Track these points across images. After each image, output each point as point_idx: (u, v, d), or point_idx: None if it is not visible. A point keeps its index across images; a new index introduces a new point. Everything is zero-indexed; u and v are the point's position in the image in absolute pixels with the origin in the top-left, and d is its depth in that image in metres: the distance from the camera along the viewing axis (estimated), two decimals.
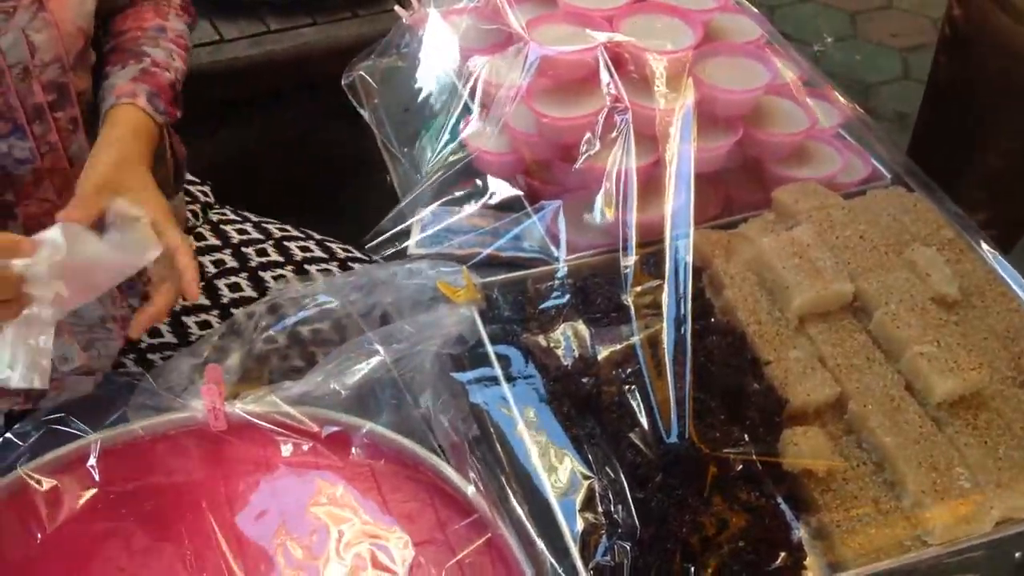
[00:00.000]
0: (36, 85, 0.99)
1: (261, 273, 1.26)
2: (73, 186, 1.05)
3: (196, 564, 0.86)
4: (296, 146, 2.04)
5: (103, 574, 0.87)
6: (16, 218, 1.02)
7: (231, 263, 1.27)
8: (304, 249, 1.31)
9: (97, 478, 0.92)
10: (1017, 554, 0.85)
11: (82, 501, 0.90)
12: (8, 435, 0.94)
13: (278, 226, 1.35)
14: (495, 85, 1.27)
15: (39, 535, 0.88)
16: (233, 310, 1.23)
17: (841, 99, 1.29)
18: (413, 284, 1.09)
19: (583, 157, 1.11)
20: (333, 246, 1.33)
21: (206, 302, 1.25)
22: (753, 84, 1.20)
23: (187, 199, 1.34)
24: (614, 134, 1.17)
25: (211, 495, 0.92)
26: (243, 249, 1.29)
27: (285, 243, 1.31)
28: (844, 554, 0.83)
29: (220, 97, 1.77)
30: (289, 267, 1.27)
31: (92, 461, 0.92)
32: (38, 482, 0.90)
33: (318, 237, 1.34)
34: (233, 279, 1.26)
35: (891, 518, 0.85)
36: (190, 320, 1.24)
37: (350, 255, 1.35)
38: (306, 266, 1.28)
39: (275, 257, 1.29)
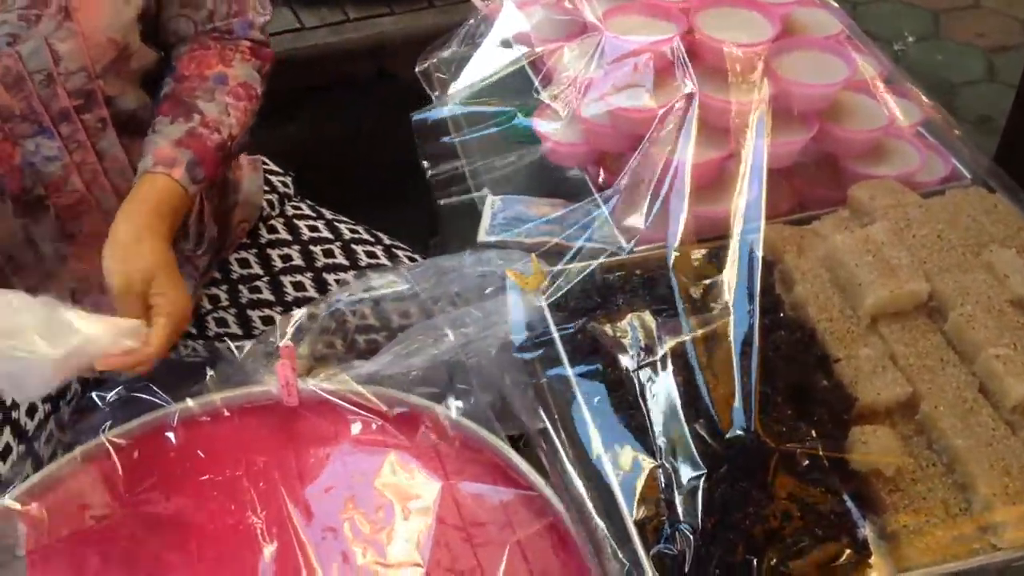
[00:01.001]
0: (61, 90, 1.01)
1: (325, 275, 1.28)
2: (100, 178, 1.07)
3: (267, 532, 0.89)
4: (370, 134, 2.07)
5: (178, 539, 0.90)
6: (48, 210, 1.05)
7: (298, 260, 1.29)
8: (370, 255, 1.32)
9: (175, 446, 0.95)
10: None
11: (160, 468, 0.94)
12: (93, 397, 0.98)
13: (350, 226, 1.36)
14: (568, 75, 1.27)
15: (118, 499, 0.92)
16: (296, 309, 1.24)
17: (922, 97, 1.27)
18: (481, 272, 1.11)
19: (654, 148, 1.11)
20: (400, 253, 1.34)
21: (271, 297, 1.27)
22: (831, 79, 1.19)
23: (265, 188, 1.37)
24: (685, 126, 1.17)
25: (283, 467, 0.95)
26: (311, 248, 1.31)
27: (353, 246, 1.32)
28: (910, 555, 0.82)
29: (299, 85, 1.81)
30: (352, 272, 1.29)
31: (171, 431, 0.96)
32: (119, 448, 0.94)
33: (387, 242, 1.35)
34: (298, 277, 1.28)
35: (960, 520, 0.84)
36: (254, 314, 1.27)
37: (415, 263, 1.36)
38: (370, 272, 1.29)
39: (341, 260, 1.30)
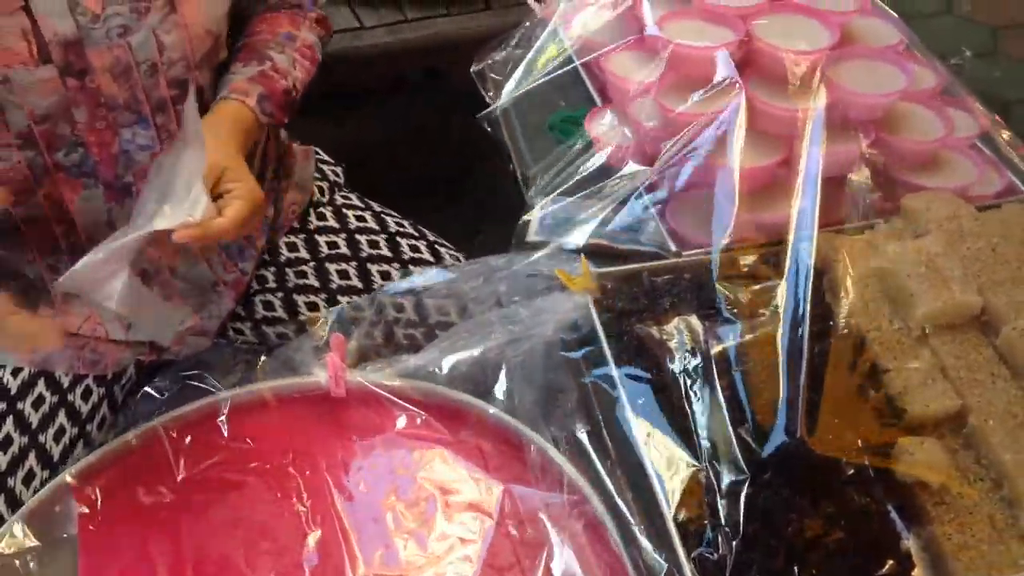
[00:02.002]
0: (162, 80, 1.05)
1: (369, 266, 1.30)
2: None
3: (312, 520, 0.90)
4: (425, 134, 2.09)
5: (226, 525, 0.91)
6: (132, 196, 1.09)
7: (344, 249, 1.32)
8: (413, 249, 1.34)
9: (226, 433, 0.97)
10: None
11: (210, 455, 0.96)
12: (147, 389, 1.00)
13: (396, 220, 1.38)
14: (623, 79, 1.28)
15: (169, 484, 0.94)
16: (340, 297, 1.27)
17: (980, 109, 1.26)
18: (529, 273, 1.11)
19: (705, 152, 1.11)
20: (442, 250, 1.36)
21: (316, 283, 1.29)
22: (888, 89, 1.18)
23: (316, 176, 1.40)
24: (737, 131, 1.17)
25: (329, 457, 0.96)
26: (357, 237, 1.33)
27: (398, 239, 1.34)
28: (955, 569, 0.81)
29: (358, 83, 1.84)
30: (395, 264, 1.31)
31: (222, 417, 0.98)
32: (171, 434, 0.96)
33: (431, 238, 1.37)
34: (343, 266, 1.30)
35: (1006, 536, 0.83)
36: (299, 299, 1.29)
37: (456, 261, 1.37)
38: (411, 267, 1.31)
39: (384, 252, 1.33)
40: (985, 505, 0.85)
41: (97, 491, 0.91)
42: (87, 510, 0.90)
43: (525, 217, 1.21)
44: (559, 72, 1.41)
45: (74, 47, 0.97)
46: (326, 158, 1.45)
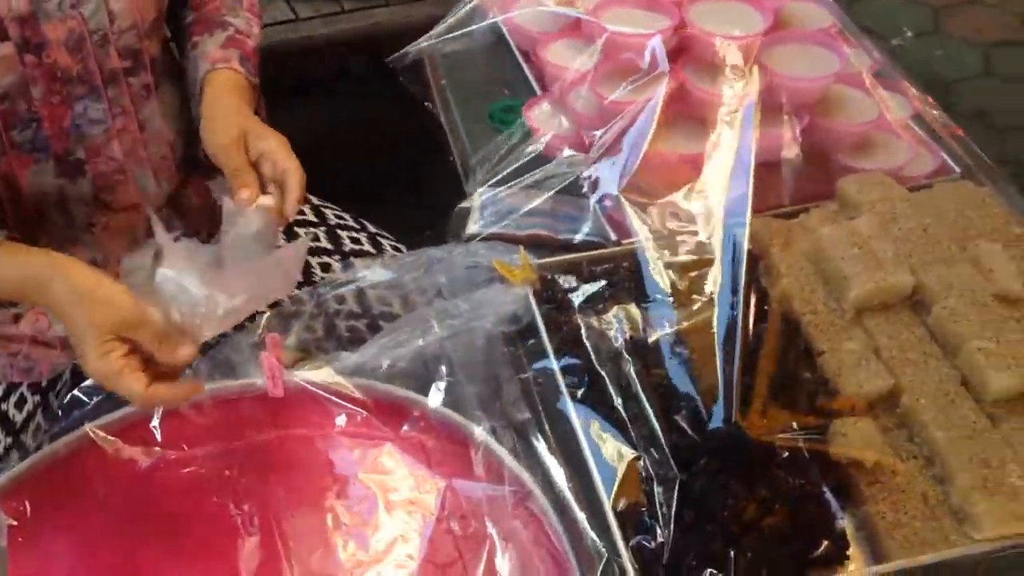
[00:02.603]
0: (113, 50, 1.04)
1: (309, 257, 1.28)
2: (139, 149, 1.09)
3: (250, 524, 0.89)
4: (365, 127, 2.07)
5: (160, 530, 0.90)
6: (85, 174, 1.08)
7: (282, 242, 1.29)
8: (355, 241, 1.33)
9: (159, 438, 0.95)
10: None
11: (144, 460, 0.94)
12: (76, 392, 0.98)
13: (336, 212, 1.37)
14: (561, 68, 1.27)
15: (102, 491, 0.92)
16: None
17: (913, 91, 1.27)
18: (469, 264, 1.11)
19: (642, 140, 1.11)
20: (384, 242, 1.35)
21: None
22: (822, 72, 1.19)
23: None
24: (677, 118, 1.17)
25: (266, 459, 0.95)
26: (296, 230, 1.32)
27: (338, 231, 1.33)
28: (888, 546, 0.82)
29: (294, 76, 1.81)
30: (336, 256, 1.30)
31: (155, 422, 0.96)
32: (103, 440, 0.94)
33: (372, 230, 1.36)
34: None
35: (938, 512, 0.84)
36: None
37: (398, 252, 1.36)
38: (353, 259, 1.29)
39: (325, 244, 1.31)
40: (918, 483, 0.86)
41: (26, 502, 0.89)
42: (16, 522, 0.88)
43: (463, 204, 1.21)
44: (498, 62, 1.41)
45: (29, 22, 0.97)
46: None
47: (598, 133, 1.15)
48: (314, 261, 1.29)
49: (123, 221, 1.10)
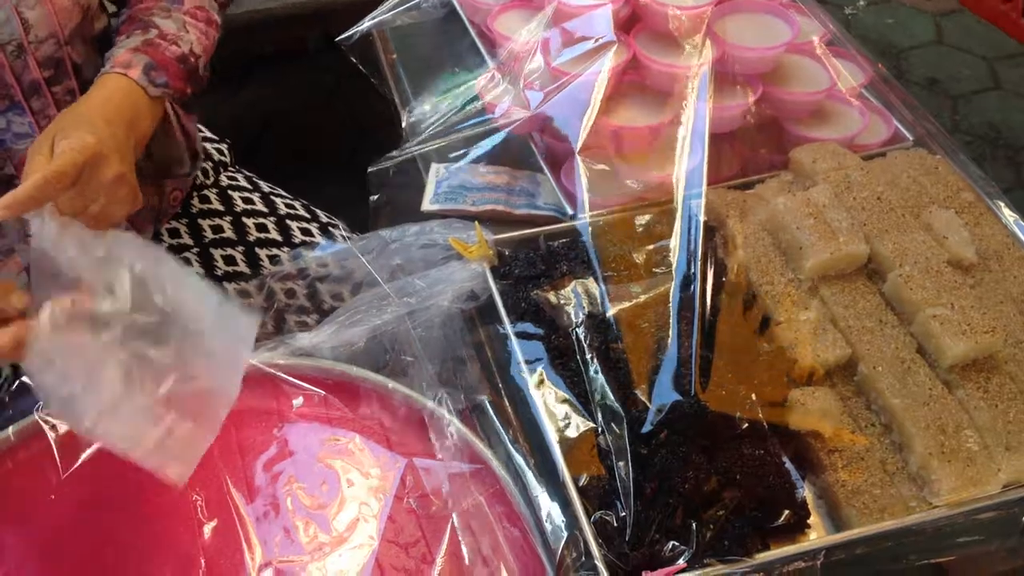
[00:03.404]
0: (31, 61, 0.98)
1: (258, 250, 1.25)
2: None
3: (207, 510, 0.87)
4: (318, 103, 2.04)
5: (115, 518, 0.88)
6: (14, 186, 1.02)
7: (229, 233, 1.26)
8: (305, 232, 1.29)
9: None
10: None
11: (95, 446, 0.92)
12: (23, 379, 0.95)
13: (287, 201, 1.33)
14: (513, 40, 1.26)
15: (54, 479, 0.90)
16: (226, 284, 1.22)
17: (866, 59, 1.27)
18: (424, 243, 1.09)
19: (597, 113, 1.10)
20: (335, 232, 1.32)
21: (200, 270, 1.24)
22: (774, 42, 1.18)
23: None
24: (630, 90, 1.16)
25: (222, 444, 0.93)
26: (244, 220, 1.28)
27: (288, 222, 1.29)
28: (848, 514, 0.83)
29: (240, 53, 1.77)
30: (285, 248, 1.26)
31: None
32: (53, 427, 0.92)
33: (323, 219, 1.32)
34: (229, 251, 1.25)
35: (897, 479, 0.85)
36: None
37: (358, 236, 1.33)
38: (304, 251, 1.26)
39: (274, 236, 1.27)
40: (876, 450, 0.87)
41: None
42: None
43: (377, 167, 1.19)
44: (451, 35, 1.39)
45: None
46: (210, 135, 1.39)
47: (555, 107, 1.13)
48: (263, 253, 1.25)
49: None
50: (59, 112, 0.99)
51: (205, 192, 1.30)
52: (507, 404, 0.95)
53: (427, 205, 1.19)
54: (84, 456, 0.91)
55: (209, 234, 1.25)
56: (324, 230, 1.30)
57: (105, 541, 0.86)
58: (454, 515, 0.87)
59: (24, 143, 1.01)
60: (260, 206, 1.30)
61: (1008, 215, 1.06)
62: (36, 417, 0.92)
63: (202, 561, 0.84)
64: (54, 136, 0.87)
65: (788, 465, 0.85)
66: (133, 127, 0.98)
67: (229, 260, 1.24)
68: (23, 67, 0.97)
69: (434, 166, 1.24)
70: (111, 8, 1.16)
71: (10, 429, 0.91)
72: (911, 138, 1.21)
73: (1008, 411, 0.87)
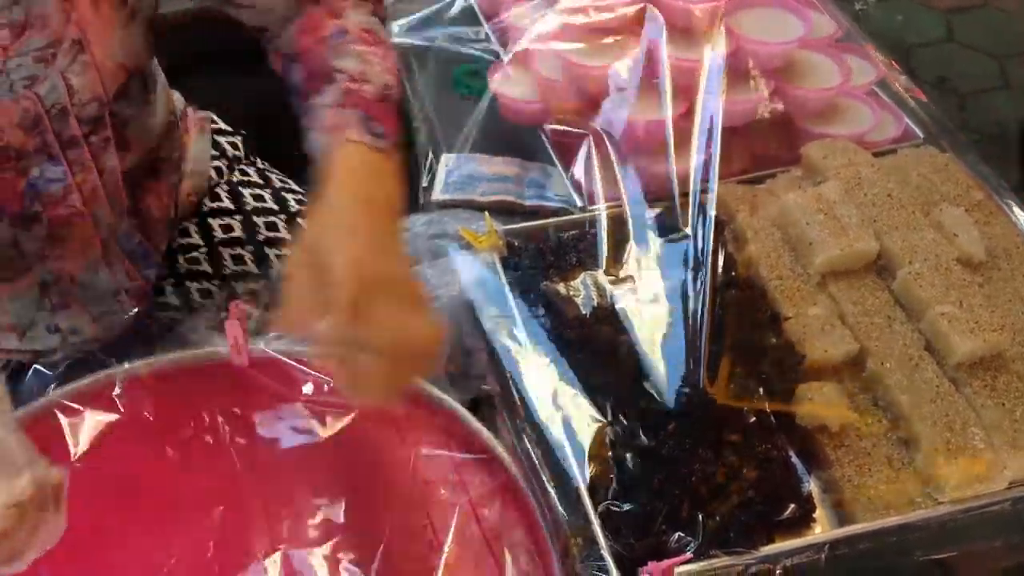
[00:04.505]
0: (73, 121, 0.94)
1: (267, 249, 1.24)
2: (99, 192, 0.99)
3: (217, 494, 0.88)
4: None
5: (126, 502, 0.89)
6: (41, 221, 0.99)
7: (238, 232, 1.24)
8: (300, 202, 1.27)
9: (122, 407, 0.94)
10: None
11: (107, 430, 0.93)
12: (37, 366, 0.96)
13: (297, 197, 1.30)
14: (524, 31, 1.26)
15: (65, 463, 0.91)
16: (234, 283, 1.20)
17: (878, 56, 1.27)
18: (433, 233, 1.10)
19: (609, 105, 1.10)
20: None
21: (208, 269, 1.23)
22: (787, 37, 1.19)
23: (214, 153, 1.30)
24: (643, 83, 1.16)
25: (232, 429, 0.93)
26: (254, 218, 1.25)
27: (298, 219, 1.27)
28: (853, 508, 0.84)
29: (249, 35, 1.76)
30: (282, 216, 1.25)
31: (117, 391, 0.94)
32: (64, 409, 0.93)
33: None
34: (238, 250, 1.23)
35: (903, 474, 0.85)
36: (192, 286, 1.22)
37: None
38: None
39: (284, 234, 1.25)
40: (883, 446, 0.87)
41: None
42: None
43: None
44: (462, 24, 1.39)
45: None
46: (224, 127, 1.36)
47: (566, 97, 1.14)
48: (272, 253, 1.22)
49: (77, 250, 1.01)
50: (93, 158, 0.97)
51: (216, 190, 1.28)
52: (514, 395, 0.95)
53: (437, 195, 1.19)
54: (95, 439, 0.92)
55: (219, 233, 1.23)
56: None
57: (114, 525, 0.87)
58: (461, 503, 0.87)
59: (55, 186, 0.97)
60: (271, 203, 1.27)
61: (1018, 213, 1.06)
62: (48, 399, 0.93)
63: (211, 545, 0.84)
64: (312, 246, 0.78)
65: (794, 459, 0.85)
66: (393, 199, 0.86)
67: (238, 259, 1.22)
68: (64, 126, 0.93)
69: (444, 156, 1.24)
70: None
71: (20, 410, 0.92)
72: (921, 135, 1.21)
73: (1015, 409, 0.87)
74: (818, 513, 0.84)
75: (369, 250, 0.76)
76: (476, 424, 0.91)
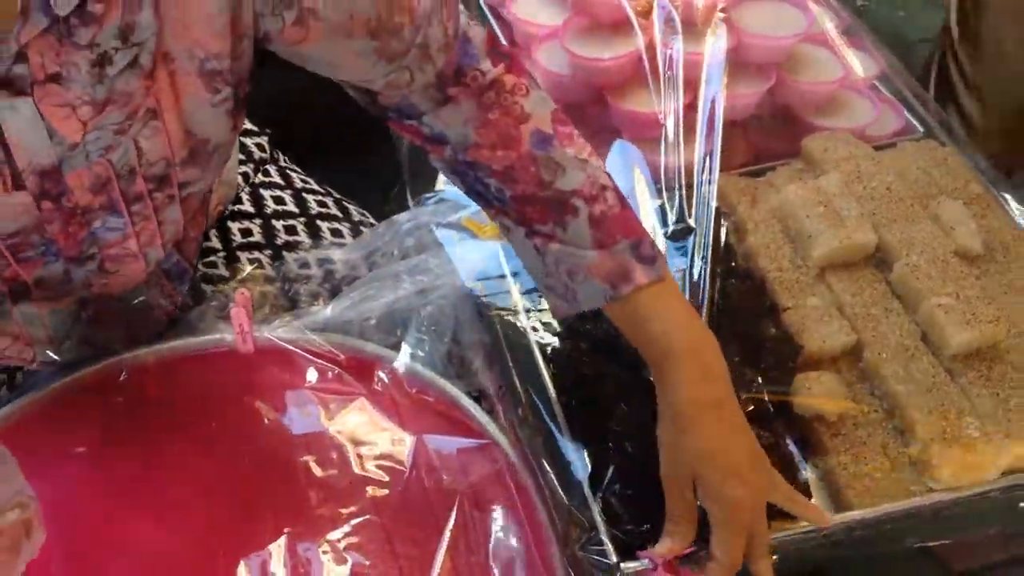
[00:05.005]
0: (139, 179, 0.92)
1: (285, 253, 1.24)
2: (156, 240, 0.96)
3: (223, 480, 0.89)
4: (333, 85, 2.02)
5: (130, 490, 0.90)
6: (95, 259, 1.01)
7: (257, 237, 1.22)
8: (335, 232, 1.24)
9: (128, 395, 0.95)
10: (1022, 504, 0.86)
11: (113, 416, 0.94)
12: (50, 354, 0.97)
13: (318, 199, 1.28)
14: (530, 23, 1.27)
15: (70, 451, 0.92)
16: (250, 286, 1.18)
17: (879, 49, 1.28)
18: (437, 223, 1.11)
19: (613, 97, 1.11)
20: (350, 207, 1.30)
21: (225, 273, 1.22)
22: (789, 31, 1.19)
23: (241, 158, 1.28)
24: (649, 77, 1.17)
25: (237, 415, 0.95)
26: (273, 222, 1.24)
27: (318, 222, 1.25)
28: (849, 496, 0.85)
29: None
30: (302, 219, 1.25)
31: (123, 377, 0.96)
32: (71, 397, 0.94)
33: (356, 217, 1.27)
34: (256, 254, 1.21)
35: (898, 463, 0.86)
36: (208, 289, 1.22)
37: (364, 216, 1.31)
38: (328, 245, 1.24)
39: (302, 238, 1.24)
40: (879, 435, 0.89)
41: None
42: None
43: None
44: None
45: (51, 174, 0.84)
46: (251, 127, 1.35)
47: (570, 90, 1.14)
48: (290, 257, 1.20)
49: (122, 281, 1.02)
50: (155, 211, 0.94)
51: (239, 193, 1.28)
52: (516, 383, 0.96)
53: (441, 185, 1.20)
54: (100, 426, 0.93)
55: (238, 238, 1.21)
56: (355, 229, 1.25)
57: (118, 514, 0.88)
58: (463, 489, 0.88)
59: (114, 235, 0.98)
60: (291, 206, 1.25)
61: (1015, 207, 1.07)
62: (54, 386, 0.94)
63: (215, 531, 0.86)
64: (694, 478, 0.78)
65: (792, 447, 0.86)
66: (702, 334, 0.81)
67: (255, 263, 1.21)
68: (130, 184, 0.91)
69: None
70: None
71: (26, 398, 0.93)
72: (921, 129, 1.22)
73: (1009, 399, 0.88)
74: (814, 501, 0.85)
75: (748, 481, 0.77)
76: (477, 411, 0.92)
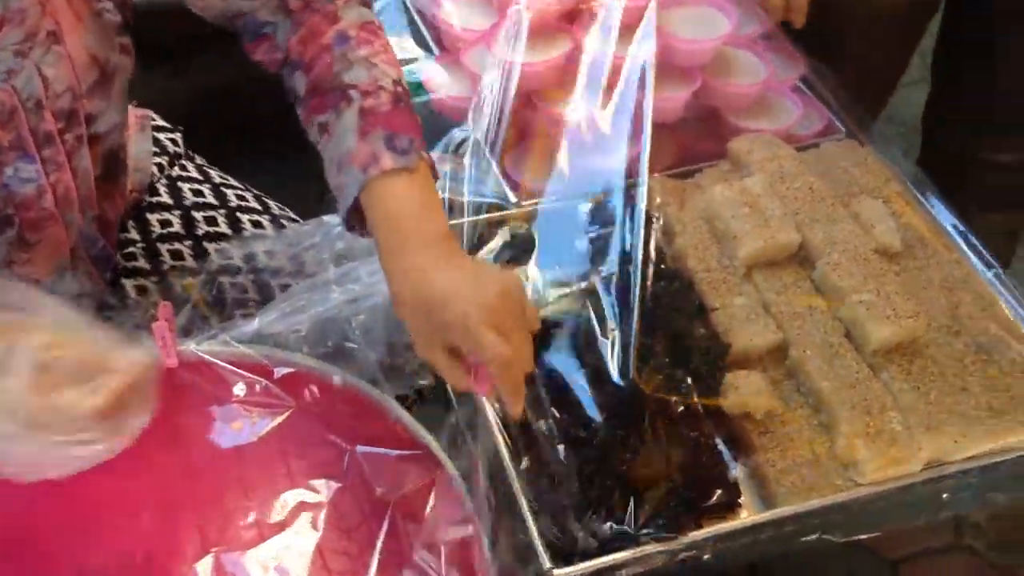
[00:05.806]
0: (47, 114, 0.93)
1: (206, 244, 1.23)
2: (72, 194, 0.98)
3: (146, 498, 0.87)
4: (268, 82, 2.00)
5: (52, 508, 0.87)
6: (13, 225, 0.98)
7: (177, 228, 1.22)
8: (256, 224, 1.25)
9: None
10: (944, 495, 0.88)
11: None
12: None
13: (238, 192, 1.28)
14: (457, 27, 1.27)
15: None
16: (171, 278, 1.18)
17: (801, 53, 1.30)
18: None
19: (540, 102, 1.11)
20: (288, 224, 1.29)
21: (146, 265, 1.21)
22: (713, 34, 1.21)
23: (155, 150, 1.27)
24: (575, 81, 1.18)
25: (162, 432, 0.93)
26: (193, 214, 1.24)
27: (238, 214, 1.25)
28: (777, 492, 0.86)
29: (187, 31, 1.73)
30: (235, 242, 1.24)
31: None
32: None
33: (276, 211, 1.28)
34: (176, 245, 1.20)
35: (824, 459, 0.88)
36: (129, 284, 1.20)
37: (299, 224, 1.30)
38: (251, 239, 1.23)
39: (224, 229, 1.24)
40: (805, 431, 0.90)
41: None
42: None
43: None
44: (397, 21, 1.39)
45: None
46: (163, 123, 1.35)
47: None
48: (211, 247, 1.19)
49: (47, 255, 1.00)
50: (67, 158, 0.96)
51: (156, 185, 1.26)
52: (449, 391, 0.96)
53: None
54: None
55: (157, 229, 1.21)
56: (276, 221, 1.26)
57: (40, 532, 0.86)
58: (396, 499, 0.88)
59: (28, 187, 0.96)
60: (210, 198, 1.25)
61: (933, 204, 1.10)
62: None
63: (141, 549, 0.84)
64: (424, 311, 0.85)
65: (721, 446, 0.87)
66: (437, 222, 0.89)
67: (176, 255, 1.21)
68: (39, 121, 0.92)
69: None
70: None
71: None
72: (844, 130, 1.24)
73: (929, 393, 0.90)
74: (744, 498, 0.86)
75: (474, 296, 0.81)
76: (410, 421, 0.92)
